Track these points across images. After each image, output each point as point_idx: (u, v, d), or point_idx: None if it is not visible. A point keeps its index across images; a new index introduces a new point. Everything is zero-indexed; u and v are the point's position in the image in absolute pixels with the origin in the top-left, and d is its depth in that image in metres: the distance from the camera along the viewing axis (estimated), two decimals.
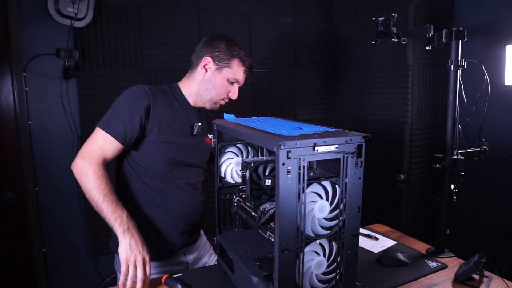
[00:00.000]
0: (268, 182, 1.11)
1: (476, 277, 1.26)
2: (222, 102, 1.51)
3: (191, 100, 1.49)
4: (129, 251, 1.19)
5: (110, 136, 1.29)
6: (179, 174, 1.44)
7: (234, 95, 1.50)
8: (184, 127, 1.44)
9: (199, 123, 1.45)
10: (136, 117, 1.32)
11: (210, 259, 1.63)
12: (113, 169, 1.45)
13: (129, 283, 1.17)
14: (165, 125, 1.38)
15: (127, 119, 1.31)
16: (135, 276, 1.18)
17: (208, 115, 1.60)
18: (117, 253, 1.22)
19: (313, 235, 0.91)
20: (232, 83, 1.47)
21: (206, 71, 1.44)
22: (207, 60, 1.43)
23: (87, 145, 1.31)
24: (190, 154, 1.46)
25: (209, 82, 1.45)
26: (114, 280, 2.29)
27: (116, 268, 1.52)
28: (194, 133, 1.45)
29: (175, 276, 1.28)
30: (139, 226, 1.28)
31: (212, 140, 1.28)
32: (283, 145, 0.83)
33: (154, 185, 1.40)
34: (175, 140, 1.40)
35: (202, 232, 1.66)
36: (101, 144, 1.30)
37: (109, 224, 1.24)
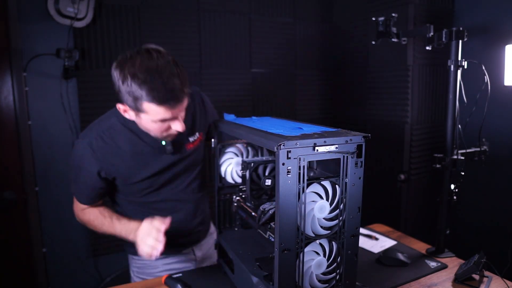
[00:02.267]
0: (268, 182, 1.11)
1: (476, 277, 1.26)
2: (172, 135, 1.21)
3: None
4: (144, 235, 1.15)
5: (80, 203, 1.33)
6: (163, 194, 1.35)
7: (178, 128, 1.15)
8: (150, 157, 1.26)
9: (163, 142, 1.26)
10: (91, 182, 1.26)
11: None
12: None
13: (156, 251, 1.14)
14: (127, 169, 1.25)
15: (86, 186, 1.28)
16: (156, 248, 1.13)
17: (196, 113, 1.36)
18: (132, 254, 1.40)
19: (313, 235, 0.91)
20: (163, 121, 1.12)
21: (131, 117, 1.17)
22: (121, 109, 1.16)
23: (74, 204, 1.36)
24: (171, 173, 1.32)
25: (141, 126, 1.18)
26: (114, 280, 2.29)
27: (130, 263, 1.54)
28: (167, 152, 1.27)
29: (175, 276, 1.28)
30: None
31: (212, 140, 1.28)
32: (283, 145, 0.83)
33: (144, 205, 1.36)
34: (145, 175, 1.27)
35: (213, 228, 1.60)
36: (79, 206, 1.34)
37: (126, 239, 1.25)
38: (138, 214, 1.32)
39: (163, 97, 1.04)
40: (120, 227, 1.26)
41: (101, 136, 1.21)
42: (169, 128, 1.15)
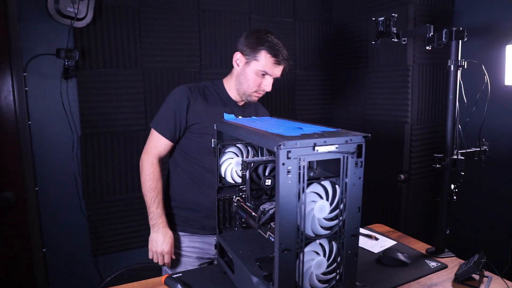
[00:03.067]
0: (268, 182, 1.11)
1: (476, 277, 1.26)
2: (256, 95, 1.56)
3: (233, 94, 1.59)
4: (152, 242, 1.51)
5: (161, 135, 1.51)
6: (213, 162, 1.51)
7: (266, 87, 1.53)
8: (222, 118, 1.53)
9: (239, 117, 1.54)
10: (178, 115, 1.50)
11: None
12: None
13: (156, 261, 1.54)
14: (204, 119, 1.51)
15: (172, 118, 1.50)
16: (157, 261, 1.52)
17: (257, 111, 1.70)
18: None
19: (313, 235, 0.91)
20: (263, 75, 1.50)
21: (238, 65, 1.53)
22: (237, 55, 1.52)
23: (147, 143, 1.55)
24: None
25: (241, 76, 1.53)
26: (114, 280, 2.29)
27: None
28: None
29: (175, 276, 1.28)
30: (178, 205, 1.58)
31: (213, 140, 1.28)
32: (283, 145, 0.83)
33: (191, 170, 1.55)
34: (213, 132, 1.47)
35: None
36: (155, 142, 1.53)
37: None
38: (183, 180, 1.56)
39: (278, 53, 1.46)
40: (154, 209, 1.52)
41: (198, 88, 1.56)
42: (260, 84, 1.51)
